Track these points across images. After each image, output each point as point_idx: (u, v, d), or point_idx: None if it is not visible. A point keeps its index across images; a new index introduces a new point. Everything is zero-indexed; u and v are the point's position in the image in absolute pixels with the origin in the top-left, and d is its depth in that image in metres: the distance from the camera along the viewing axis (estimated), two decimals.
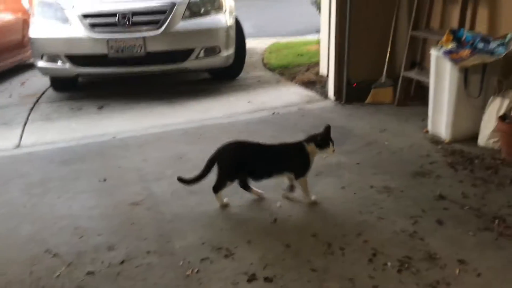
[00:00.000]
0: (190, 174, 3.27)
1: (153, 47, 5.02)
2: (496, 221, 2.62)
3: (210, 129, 4.21)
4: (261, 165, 2.83)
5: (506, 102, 3.42)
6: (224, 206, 2.86)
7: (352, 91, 4.78)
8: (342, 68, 4.72)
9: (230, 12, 5.57)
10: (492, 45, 3.46)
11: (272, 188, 2.92)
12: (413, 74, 4.48)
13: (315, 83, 5.68)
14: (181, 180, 2.90)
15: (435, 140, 3.76)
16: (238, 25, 5.84)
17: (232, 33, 5.50)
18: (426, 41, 4.53)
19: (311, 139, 2.80)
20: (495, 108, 3.48)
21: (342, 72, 4.74)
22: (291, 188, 2.91)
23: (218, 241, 2.52)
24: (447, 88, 3.61)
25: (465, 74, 3.48)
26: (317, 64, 6.16)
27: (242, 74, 6.04)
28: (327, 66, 5.01)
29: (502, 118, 3.39)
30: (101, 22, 5.01)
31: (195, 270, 2.30)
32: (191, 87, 5.67)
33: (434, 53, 3.70)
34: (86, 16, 5.00)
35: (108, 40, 4.93)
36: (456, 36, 3.65)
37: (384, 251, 2.40)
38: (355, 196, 2.96)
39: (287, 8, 12.32)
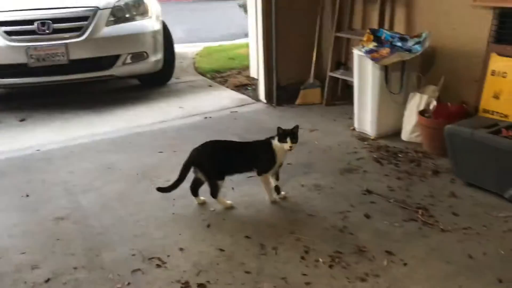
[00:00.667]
0: (119, 184, 3.19)
1: (76, 55, 4.82)
2: (420, 211, 2.75)
3: (140, 136, 4.11)
4: (233, 162, 2.84)
5: (425, 98, 3.60)
6: (230, 207, 2.86)
7: (282, 92, 4.86)
8: (271, 71, 4.78)
9: (157, 17, 5.47)
10: (410, 43, 3.64)
11: (206, 192, 2.89)
12: (338, 74, 4.62)
13: (247, 86, 5.73)
14: (160, 189, 2.87)
15: (362, 137, 3.90)
16: (165, 29, 5.74)
17: (160, 37, 5.41)
18: (349, 41, 4.69)
19: (277, 135, 2.82)
20: (415, 103, 3.66)
21: (271, 75, 4.80)
22: (277, 189, 2.94)
23: (150, 251, 2.46)
24: (370, 86, 3.76)
25: (386, 71, 3.64)
26: (248, 67, 6.21)
27: (172, 80, 5.95)
28: (257, 69, 5.05)
29: (422, 113, 3.56)
30: (19, 30, 4.75)
31: (126, 283, 2.23)
32: (120, 94, 5.51)
33: (356, 53, 3.83)
34: (1, 23, 4.73)
35: (27, 49, 4.69)
36: (376, 36, 3.80)
37: (316, 248, 2.44)
38: (288, 196, 2.99)
39: (218, 12, 12.33)
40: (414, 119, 3.66)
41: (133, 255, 2.43)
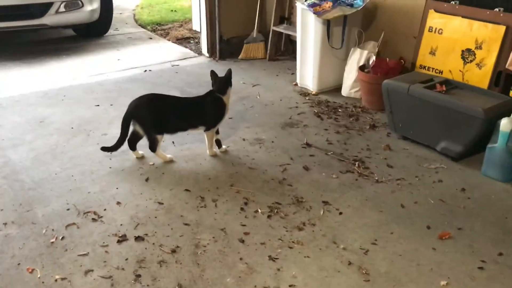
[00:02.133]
0: (52, 138, 3.05)
1: (3, 1, 4.47)
2: (356, 164, 2.82)
3: (75, 89, 3.92)
4: (176, 119, 2.75)
5: (365, 53, 3.65)
6: (169, 161, 2.80)
7: (225, 46, 4.76)
8: (214, 24, 4.65)
9: None
10: None
11: (145, 146, 2.81)
12: (281, 29, 4.57)
13: (189, 39, 5.57)
14: (104, 149, 2.76)
15: (303, 92, 3.92)
16: None
17: None
18: None
19: (218, 87, 2.76)
20: (355, 59, 3.70)
21: (214, 28, 4.68)
22: (218, 142, 2.91)
23: (85, 205, 2.39)
24: (312, 40, 3.75)
25: (328, 26, 3.63)
26: (190, 20, 6.03)
27: (111, 31, 5.69)
28: (199, 21, 4.89)
29: (362, 68, 3.61)
30: None
31: (60, 237, 2.16)
32: (53, 45, 5.20)
33: (299, 6, 3.78)
34: None
35: None
36: None
37: (255, 199, 2.46)
38: (229, 149, 2.97)
39: None
40: (354, 75, 3.71)
41: (68, 209, 2.35)
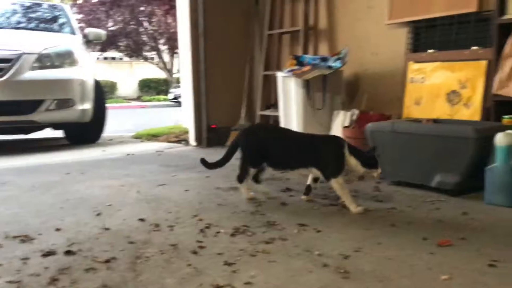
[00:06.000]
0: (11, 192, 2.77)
1: None
2: (341, 200, 2.48)
3: (48, 166, 3.73)
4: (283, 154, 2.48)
5: (348, 114, 3.51)
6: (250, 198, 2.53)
7: (213, 135, 4.68)
8: (201, 113, 4.65)
9: (88, 69, 5.35)
10: (330, 61, 3.63)
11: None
12: (268, 112, 4.54)
13: (181, 141, 5.53)
14: (204, 162, 2.64)
15: None
16: (98, 86, 5.61)
17: (89, 88, 5.22)
18: None
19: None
20: (340, 121, 3.56)
21: (201, 117, 4.66)
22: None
23: (19, 231, 2.03)
24: (294, 105, 3.66)
25: (308, 88, 3.57)
26: (187, 132, 6.05)
27: (103, 141, 5.66)
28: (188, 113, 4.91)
29: (346, 127, 3.45)
30: None
31: None
32: (39, 142, 5.17)
33: (280, 75, 3.78)
34: None
35: None
36: (299, 61, 3.80)
37: (220, 225, 2.10)
38: (198, 195, 2.68)
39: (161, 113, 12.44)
40: (340, 134, 3.52)
41: None
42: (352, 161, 2.31)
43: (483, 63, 2.91)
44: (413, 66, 3.32)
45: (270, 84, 4.70)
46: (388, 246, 1.80)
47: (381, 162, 2.83)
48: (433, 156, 2.59)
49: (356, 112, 3.39)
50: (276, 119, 4.63)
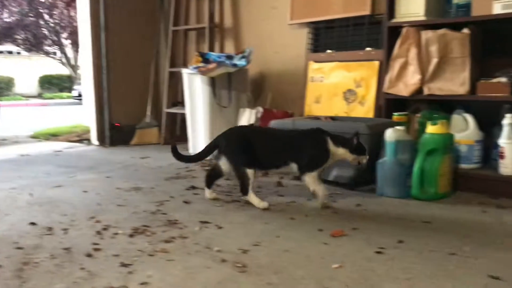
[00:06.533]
0: None
1: None
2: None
3: None
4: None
5: (254, 112, 3.56)
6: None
7: (117, 134, 4.52)
8: (103, 110, 4.46)
9: None
10: (235, 59, 3.66)
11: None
12: (174, 110, 4.47)
13: (82, 141, 5.27)
14: (175, 152, 2.45)
15: None
16: None
17: None
18: None
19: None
20: (245, 118, 3.60)
21: (103, 114, 4.47)
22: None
23: None
24: (201, 103, 3.64)
25: (214, 86, 3.57)
26: (89, 131, 5.77)
27: None
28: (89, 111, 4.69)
29: (251, 125, 3.49)
30: None
31: None
32: None
33: (185, 72, 3.74)
34: None
35: None
36: (204, 58, 3.78)
37: (119, 226, 2.03)
38: (97, 196, 2.57)
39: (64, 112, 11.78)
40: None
41: None
42: (339, 151, 2.28)
43: (376, 63, 3.10)
44: (313, 66, 3.45)
45: (176, 81, 4.62)
46: (286, 238, 1.86)
47: None
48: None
49: (260, 109, 3.45)
50: (184, 122, 4.59)
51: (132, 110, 4.59)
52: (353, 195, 2.55)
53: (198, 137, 3.74)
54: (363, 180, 2.67)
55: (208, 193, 2.48)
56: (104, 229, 1.99)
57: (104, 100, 4.45)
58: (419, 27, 2.74)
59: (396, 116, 2.86)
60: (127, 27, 4.51)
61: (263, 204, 2.27)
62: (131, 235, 1.90)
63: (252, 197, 2.30)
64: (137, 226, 2.01)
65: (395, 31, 2.85)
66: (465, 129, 2.64)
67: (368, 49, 3.18)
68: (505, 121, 2.44)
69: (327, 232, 1.92)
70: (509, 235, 1.92)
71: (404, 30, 2.78)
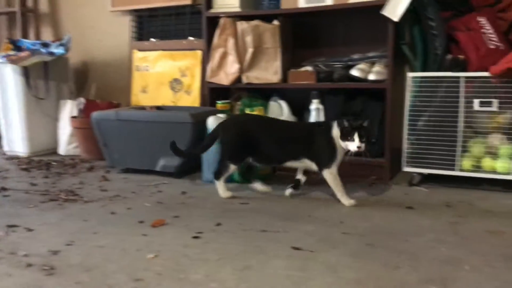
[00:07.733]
0: None
1: None
2: (62, 194, 2.36)
3: None
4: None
5: (75, 104, 3.35)
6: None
7: None
8: None
9: None
10: (52, 47, 3.40)
11: None
12: None
13: None
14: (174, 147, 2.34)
15: (13, 158, 3.33)
16: None
17: None
18: None
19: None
20: (67, 111, 3.38)
21: None
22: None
23: None
24: (14, 95, 3.30)
25: (27, 76, 3.27)
26: None
27: None
28: None
29: (74, 117, 3.29)
30: None
31: None
32: None
33: None
34: None
35: None
36: (16, 45, 3.44)
37: None
38: None
39: None
40: (68, 129, 3.35)
41: None
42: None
43: (199, 53, 3.15)
44: (137, 55, 3.37)
45: None
46: (104, 234, 1.80)
47: (109, 151, 2.83)
48: (156, 142, 2.68)
49: (82, 101, 3.26)
50: None
51: None
52: (180, 183, 2.58)
53: (14, 133, 3.40)
54: (189, 168, 2.71)
55: (258, 186, 2.37)
56: None
57: None
58: (235, 18, 2.86)
59: (219, 104, 2.95)
60: None
61: (226, 194, 2.27)
62: None
63: (220, 185, 2.28)
64: None
65: (213, 21, 2.93)
66: (280, 115, 2.84)
67: (190, 38, 3.22)
68: (312, 106, 2.68)
69: (148, 224, 1.91)
70: (315, 208, 2.12)
71: (221, 21, 2.87)
